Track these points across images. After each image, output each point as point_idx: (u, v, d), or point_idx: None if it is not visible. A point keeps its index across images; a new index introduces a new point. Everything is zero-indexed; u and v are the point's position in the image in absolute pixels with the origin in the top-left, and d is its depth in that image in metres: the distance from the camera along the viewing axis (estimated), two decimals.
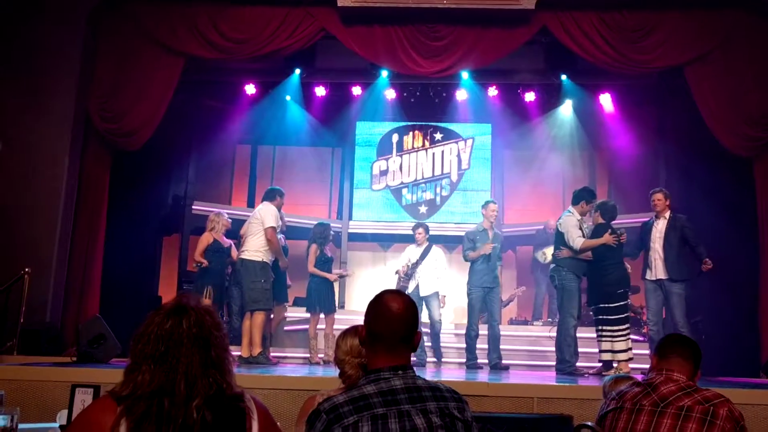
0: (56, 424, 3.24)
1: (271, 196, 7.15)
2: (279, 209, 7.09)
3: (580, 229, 6.65)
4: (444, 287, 7.84)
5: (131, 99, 7.71)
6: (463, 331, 7.52)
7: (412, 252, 8.01)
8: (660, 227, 6.72)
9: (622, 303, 6.38)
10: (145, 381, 1.65)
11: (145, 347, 1.69)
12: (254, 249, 6.82)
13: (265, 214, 6.89)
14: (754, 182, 7.55)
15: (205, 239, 7.37)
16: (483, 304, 7.43)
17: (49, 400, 4.40)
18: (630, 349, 6.34)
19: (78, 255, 7.51)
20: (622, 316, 6.35)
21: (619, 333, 6.33)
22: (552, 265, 6.99)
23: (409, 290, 7.60)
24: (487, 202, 7.78)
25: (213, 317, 1.77)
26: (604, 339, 6.40)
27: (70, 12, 7.57)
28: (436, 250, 8.00)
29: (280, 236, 7.31)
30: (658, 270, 6.61)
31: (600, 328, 6.46)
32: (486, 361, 7.29)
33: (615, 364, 6.29)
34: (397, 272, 8.03)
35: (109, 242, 7.97)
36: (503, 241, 8.05)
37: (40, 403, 4.43)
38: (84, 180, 7.65)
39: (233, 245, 7.52)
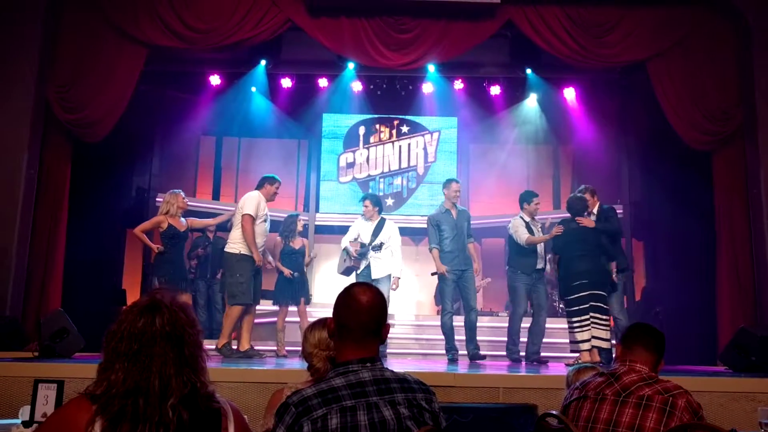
0: (18, 420, 3.20)
1: (260, 183, 6.82)
2: (273, 197, 6.79)
3: (529, 227, 7.00)
4: (398, 268, 7.24)
5: (93, 89, 7.56)
6: (425, 323, 7.46)
7: (362, 227, 7.35)
8: None
9: (578, 295, 6.44)
10: (119, 380, 1.63)
11: (117, 345, 1.67)
12: (232, 240, 6.54)
13: (246, 201, 6.57)
14: (712, 176, 7.72)
15: (155, 221, 6.76)
16: (456, 290, 7.07)
17: (11, 395, 4.32)
18: (592, 339, 6.39)
19: (39, 248, 7.34)
20: (581, 307, 6.41)
21: (577, 324, 6.42)
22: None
23: (359, 270, 7.18)
24: (449, 181, 7.38)
25: (187, 314, 1.76)
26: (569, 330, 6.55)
27: None
28: (390, 226, 7.36)
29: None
30: None
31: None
32: (464, 352, 7.08)
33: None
34: (345, 249, 7.35)
35: (71, 235, 7.81)
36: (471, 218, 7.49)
37: (2, 398, 4.35)
38: (44, 171, 7.46)
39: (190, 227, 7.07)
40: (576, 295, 6.40)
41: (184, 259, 7.22)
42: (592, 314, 6.34)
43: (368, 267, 7.16)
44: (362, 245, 7.17)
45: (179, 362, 1.68)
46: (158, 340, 1.67)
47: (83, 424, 1.60)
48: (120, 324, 1.70)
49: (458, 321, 7.25)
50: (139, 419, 1.60)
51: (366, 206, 7.37)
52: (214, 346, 6.47)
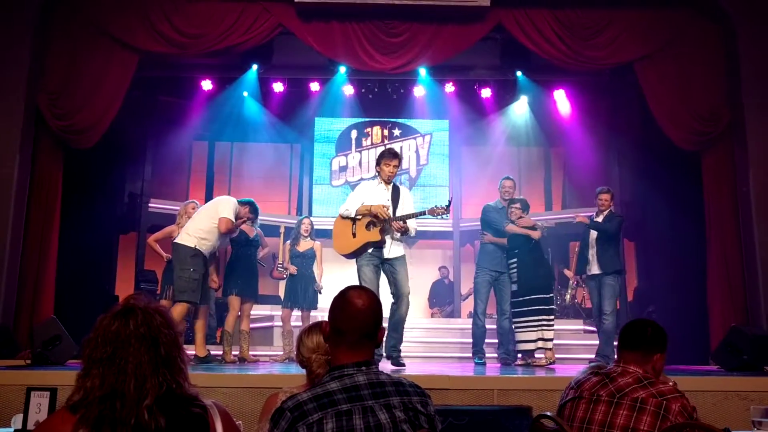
0: (11, 429, 3.19)
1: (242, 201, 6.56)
2: (239, 222, 6.49)
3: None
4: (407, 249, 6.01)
5: (84, 95, 7.53)
6: (432, 326, 7.23)
7: (374, 192, 5.73)
8: None
9: (528, 297, 6.54)
10: (96, 385, 1.63)
11: (93, 351, 1.67)
12: (190, 233, 6.09)
13: (223, 202, 6.27)
14: (701, 176, 7.77)
15: (167, 231, 7.09)
16: (488, 291, 6.85)
17: (3, 404, 4.29)
18: (542, 339, 6.46)
19: (31, 255, 7.30)
20: (530, 308, 6.52)
21: (524, 324, 6.57)
22: None
23: (371, 249, 5.59)
24: (502, 179, 7.30)
25: (163, 316, 1.74)
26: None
27: (19, 4, 7.36)
28: (408, 193, 5.95)
29: (258, 229, 7.19)
30: (593, 266, 6.87)
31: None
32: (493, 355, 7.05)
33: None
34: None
35: (63, 242, 7.77)
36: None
37: None
38: (36, 178, 7.43)
39: None
40: (526, 297, 6.54)
41: None
42: (542, 317, 6.47)
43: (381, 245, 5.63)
44: (388, 211, 5.57)
45: (155, 363, 1.67)
46: (132, 342, 1.66)
47: None
48: (95, 330, 1.70)
49: (448, 323, 7.22)
50: (117, 423, 1.59)
51: (394, 165, 5.71)
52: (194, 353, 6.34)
